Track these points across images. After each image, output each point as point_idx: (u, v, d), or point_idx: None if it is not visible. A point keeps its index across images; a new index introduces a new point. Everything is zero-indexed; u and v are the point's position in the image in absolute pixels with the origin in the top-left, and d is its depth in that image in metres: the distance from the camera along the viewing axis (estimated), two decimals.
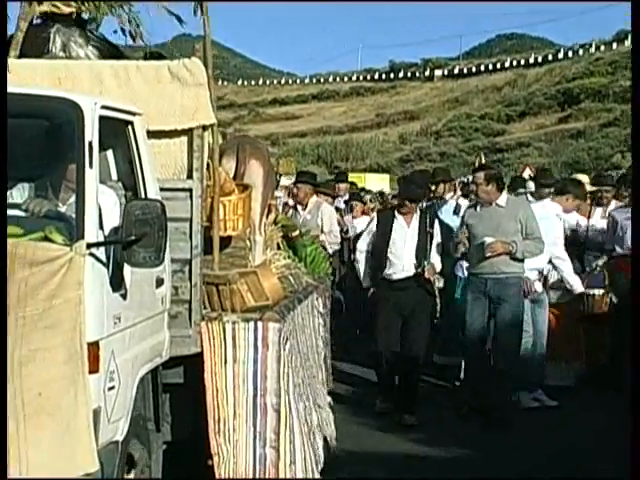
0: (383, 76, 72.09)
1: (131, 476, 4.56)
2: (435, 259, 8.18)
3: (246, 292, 5.43)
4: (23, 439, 3.79)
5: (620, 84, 50.34)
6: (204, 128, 5.23)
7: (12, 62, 4.96)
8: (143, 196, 4.69)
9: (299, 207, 10.27)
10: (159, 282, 4.78)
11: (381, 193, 16.72)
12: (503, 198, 8.17)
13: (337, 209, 11.72)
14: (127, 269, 4.29)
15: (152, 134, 5.02)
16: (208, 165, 5.34)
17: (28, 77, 4.92)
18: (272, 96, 72.38)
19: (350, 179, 20.76)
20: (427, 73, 69.80)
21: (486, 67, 67.74)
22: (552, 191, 9.51)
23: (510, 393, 8.17)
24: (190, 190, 5.15)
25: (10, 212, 4.18)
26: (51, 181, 4.60)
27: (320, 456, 5.73)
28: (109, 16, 5.47)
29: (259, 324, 5.14)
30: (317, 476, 5.57)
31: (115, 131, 4.67)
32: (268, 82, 79.78)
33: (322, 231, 10.01)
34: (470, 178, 9.92)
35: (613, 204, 9.97)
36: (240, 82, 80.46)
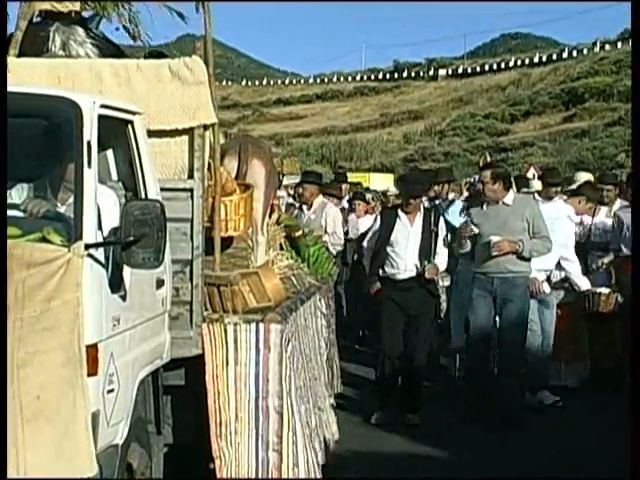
0: (387, 76, 72.15)
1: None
2: (441, 258, 8.10)
3: (248, 293, 5.38)
4: (21, 442, 3.75)
5: (625, 83, 50.24)
6: (205, 127, 5.17)
7: (11, 61, 4.91)
8: (143, 196, 4.64)
9: (304, 207, 10.23)
10: (159, 283, 4.73)
11: (384, 192, 16.64)
12: (510, 197, 8.11)
13: (342, 209, 11.68)
14: (127, 270, 4.24)
15: (152, 133, 4.96)
16: (209, 165, 5.29)
17: (27, 76, 4.87)
18: (276, 96, 72.49)
19: (354, 179, 20.79)
20: (431, 73, 69.85)
21: (490, 66, 67.78)
22: (559, 190, 9.45)
23: (517, 392, 8.11)
24: (191, 190, 5.09)
25: (9, 213, 4.13)
26: (50, 181, 4.55)
27: (321, 458, 5.68)
28: (112, 14, 5.40)
29: (261, 325, 5.09)
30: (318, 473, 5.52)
31: (115, 130, 4.62)
32: (272, 82, 79.90)
33: (326, 232, 9.97)
34: (476, 177, 9.86)
35: (618, 203, 9.91)
36: (244, 82, 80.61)
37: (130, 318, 4.33)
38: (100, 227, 4.19)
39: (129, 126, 4.68)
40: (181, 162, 5.17)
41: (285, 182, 15.72)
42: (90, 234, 3.98)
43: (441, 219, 8.27)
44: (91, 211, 4.02)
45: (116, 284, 4.18)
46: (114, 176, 4.93)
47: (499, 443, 7.37)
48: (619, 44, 60.53)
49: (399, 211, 8.24)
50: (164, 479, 4.93)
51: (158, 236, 4.05)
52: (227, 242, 5.65)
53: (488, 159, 12.16)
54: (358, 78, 73.60)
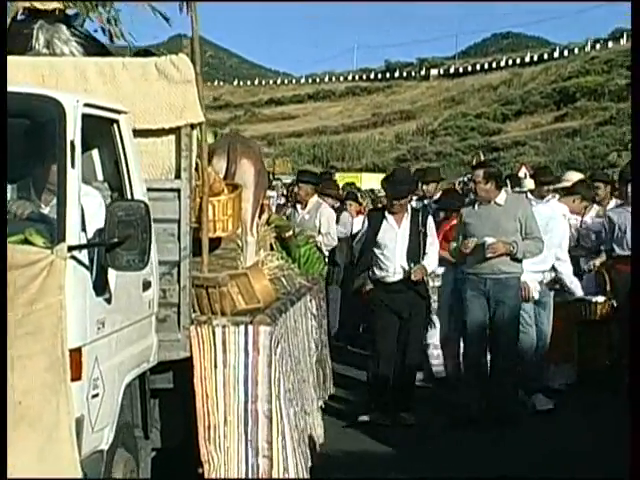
0: (379, 76, 72.19)
1: None
2: (430, 259, 8.00)
3: (236, 294, 5.31)
4: (7, 446, 3.68)
5: (616, 82, 50.40)
6: (192, 127, 5.10)
7: None
8: (129, 197, 4.57)
9: (298, 206, 10.15)
10: (146, 285, 4.66)
11: (372, 190, 16.52)
12: (502, 196, 8.04)
13: (334, 208, 11.59)
14: (112, 272, 4.18)
15: (139, 133, 4.90)
16: (197, 164, 5.21)
17: (11, 75, 4.76)
18: (268, 96, 72.48)
19: (347, 179, 20.71)
20: (423, 72, 69.90)
21: (482, 66, 67.85)
22: (551, 188, 9.38)
23: (511, 391, 8.07)
24: (178, 190, 5.03)
25: None
26: (34, 182, 4.49)
27: (308, 460, 5.62)
28: (92, 14, 5.33)
29: (250, 327, 5.04)
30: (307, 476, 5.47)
31: (100, 130, 4.56)
32: (264, 82, 79.92)
33: (319, 232, 9.89)
34: (469, 177, 9.80)
35: (613, 202, 9.86)
36: (236, 82, 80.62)
37: (116, 321, 4.26)
38: (85, 228, 4.12)
39: (114, 125, 4.62)
40: (168, 162, 5.10)
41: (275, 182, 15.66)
42: (74, 236, 3.92)
43: (429, 219, 8.18)
44: (74, 212, 3.95)
45: (101, 286, 4.12)
46: (99, 176, 4.86)
47: (492, 443, 7.33)
48: (610, 43, 60.68)
49: (386, 212, 8.11)
50: None
51: (143, 237, 3.98)
52: (215, 243, 5.59)
53: (482, 158, 12.13)
54: (350, 78, 73.62)
